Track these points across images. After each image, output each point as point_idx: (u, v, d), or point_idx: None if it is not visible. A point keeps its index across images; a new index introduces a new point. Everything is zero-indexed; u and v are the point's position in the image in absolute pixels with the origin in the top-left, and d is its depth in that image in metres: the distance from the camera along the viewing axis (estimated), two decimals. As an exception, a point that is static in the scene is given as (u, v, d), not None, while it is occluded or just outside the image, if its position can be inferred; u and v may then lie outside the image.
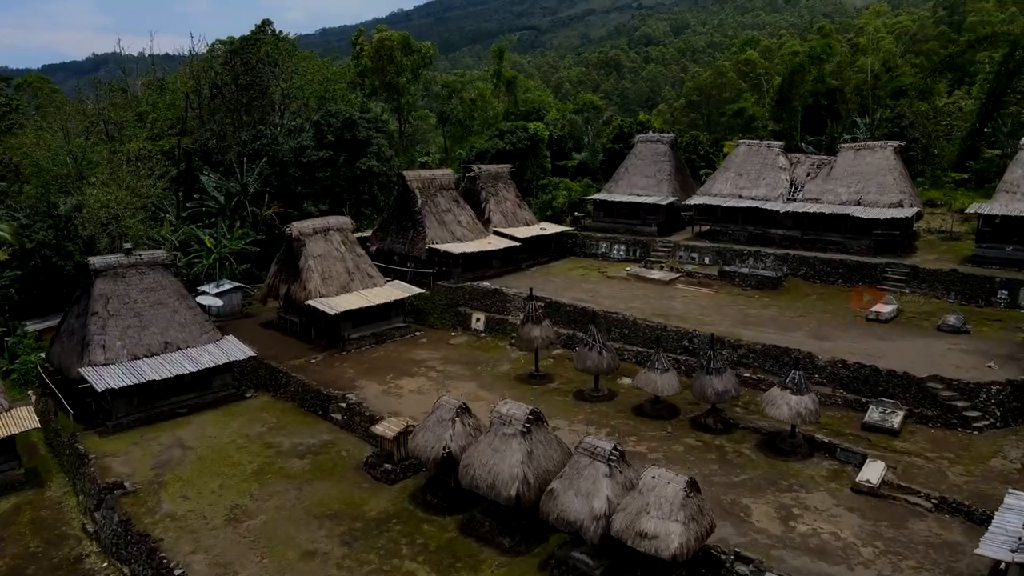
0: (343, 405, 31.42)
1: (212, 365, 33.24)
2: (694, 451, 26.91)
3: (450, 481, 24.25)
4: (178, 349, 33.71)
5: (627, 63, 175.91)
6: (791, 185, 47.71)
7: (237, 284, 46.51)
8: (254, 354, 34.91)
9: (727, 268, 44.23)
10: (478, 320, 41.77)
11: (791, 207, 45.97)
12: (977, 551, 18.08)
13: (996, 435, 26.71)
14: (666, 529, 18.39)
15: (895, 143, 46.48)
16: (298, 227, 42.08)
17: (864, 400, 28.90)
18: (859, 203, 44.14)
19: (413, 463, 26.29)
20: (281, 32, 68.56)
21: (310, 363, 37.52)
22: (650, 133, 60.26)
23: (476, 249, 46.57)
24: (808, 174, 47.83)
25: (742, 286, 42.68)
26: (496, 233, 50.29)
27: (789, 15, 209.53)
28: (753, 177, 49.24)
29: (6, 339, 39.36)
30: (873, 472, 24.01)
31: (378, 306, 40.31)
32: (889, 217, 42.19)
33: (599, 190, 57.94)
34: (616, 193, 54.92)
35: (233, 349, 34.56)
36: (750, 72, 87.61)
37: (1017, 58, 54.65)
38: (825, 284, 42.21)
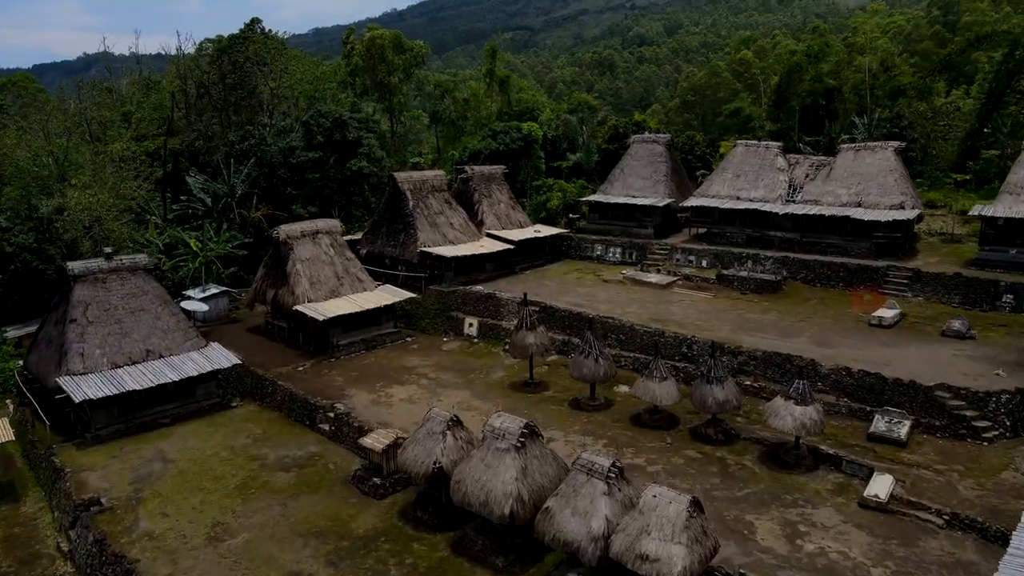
0: (331, 415, 30.36)
1: (196, 374, 32.10)
2: (695, 464, 25.96)
3: (441, 496, 23.26)
4: (160, 357, 32.57)
5: (621, 63, 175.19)
6: (790, 186, 46.85)
7: (224, 288, 45.36)
8: (239, 361, 33.81)
9: (725, 271, 43.32)
10: (471, 325, 40.75)
11: (790, 209, 45.10)
12: (997, 576, 17.17)
13: (1006, 446, 25.84)
14: (668, 552, 17.40)
15: (895, 143, 45.67)
16: (286, 230, 40.99)
17: (869, 409, 28.01)
18: (859, 205, 43.30)
19: (403, 477, 25.25)
20: (271, 31, 67.51)
21: (298, 370, 36.45)
22: (646, 133, 59.34)
23: (469, 252, 45.57)
24: (807, 175, 46.99)
25: (741, 290, 41.78)
26: (489, 235, 49.28)
27: (782, 15, 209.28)
28: (751, 178, 48.37)
29: (-16, 345, 38.17)
30: (881, 486, 23.11)
31: (368, 311, 39.25)
32: (890, 219, 41.37)
33: (594, 191, 57.01)
34: (612, 194, 53.97)
35: (218, 357, 33.45)
36: (744, 72, 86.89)
37: (1017, 57, 53.93)
38: (826, 288, 41.35)
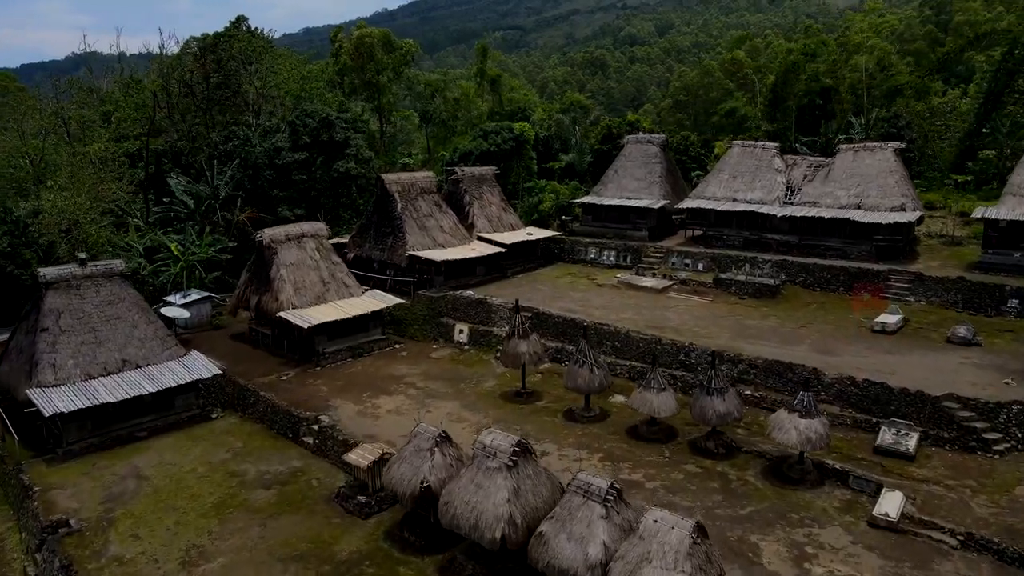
0: (315, 428, 29.10)
1: (174, 384, 30.78)
2: (695, 479, 24.81)
3: (429, 516, 22.04)
4: (137, 367, 31.22)
5: (612, 63, 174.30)
6: (788, 188, 45.78)
7: (206, 294, 43.92)
8: (220, 371, 32.48)
9: (722, 275, 42.21)
10: (461, 332, 39.52)
11: (788, 211, 43.99)
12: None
13: (1018, 459, 24.80)
14: (671, 583, 16.25)
15: (895, 144, 44.67)
16: (269, 234, 39.63)
17: (875, 420, 26.93)
18: (859, 207, 42.27)
19: (390, 494, 24.02)
20: (257, 29, 66.11)
21: (281, 380, 35.11)
22: (640, 134, 58.10)
23: (459, 256, 44.30)
24: (805, 176, 45.94)
25: (739, 294, 40.67)
26: (480, 239, 48.00)
27: (773, 15, 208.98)
28: (748, 179, 47.29)
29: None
30: (891, 504, 22.02)
31: (355, 318, 37.95)
32: (891, 222, 40.35)
33: (587, 193, 55.80)
34: (605, 196, 52.78)
35: (198, 366, 32.12)
36: (737, 72, 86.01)
37: (1017, 56, 53.11)
38: (825, 292, 40.28)
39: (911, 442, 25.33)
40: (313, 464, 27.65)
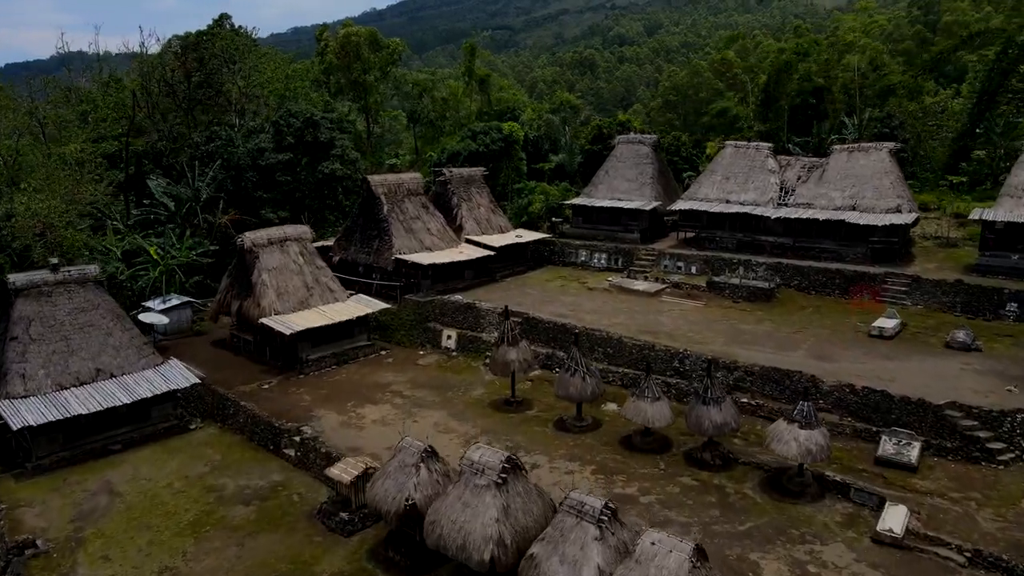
0: (297, 439, 28.02)
1: (150, 395, 29.55)
2: (691, 493, 23.91)
3: (415, 535, 21.03)
4: (112, 377, 30.00)
5: (601, 63, 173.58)
6: (781, 189, 45.04)
7: (187, 299, 42.65)
8: (199, 380, 31.24)
9: (716, 278, 41.38)
10: (449, 337, 38.49)
11: (782, 212, 43.23)
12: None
13: (1023, 470, 24.07)
14: (670, 610, 15.33)
15: (890, 144, 44.01)
16: (251, 237, 38.45)
17: (875, 430, 26.12)
18: (854, 208, 41.57)
19: (373, 511, 22.98)
20: (241, 27, 64.81)
21: (263, 388, 33.99)
22: (631, 134, 57.22)
23: (447, 259, 43.26)
24: (799, 177, 45.20)
25: (733, 298, 39.87)
26: (468, 241, 46.99)
27: (761, 16, 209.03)
28: (741, 180, 46.51)
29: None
30: (895, 519, 21.18)
31: (339, 323, 36.87)
32: (887, 223, 39.66)
33: (578, 194, 54.86)
34: (596, 197, 51.87)
35: (175, 375, 30.93)
36: (727, 72, 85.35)
37: (1011, 55, 52.60)
38: (821, 295, 39.53)
39: (913, 452, 24.54)
40: (295, 477, 26.58)
